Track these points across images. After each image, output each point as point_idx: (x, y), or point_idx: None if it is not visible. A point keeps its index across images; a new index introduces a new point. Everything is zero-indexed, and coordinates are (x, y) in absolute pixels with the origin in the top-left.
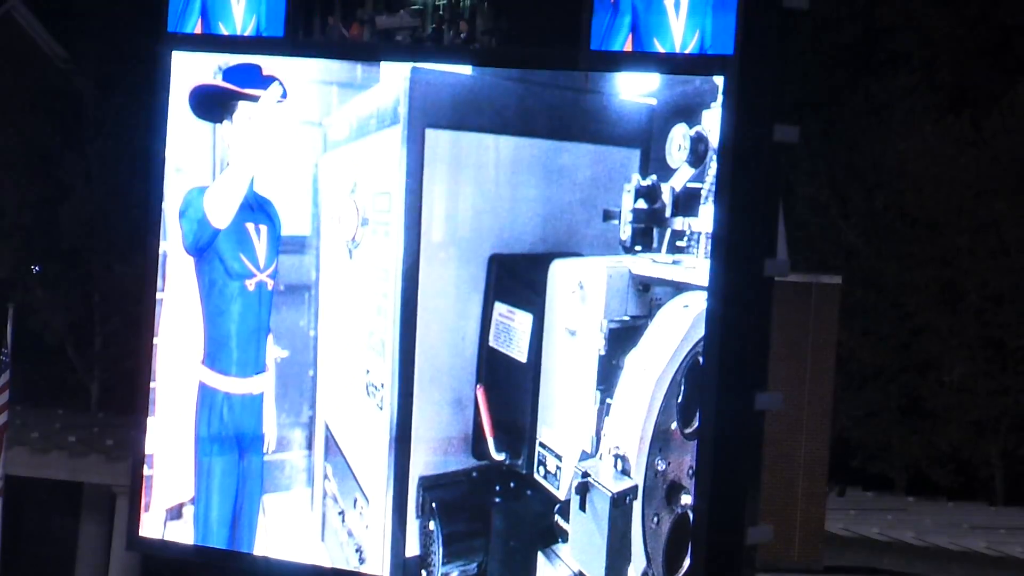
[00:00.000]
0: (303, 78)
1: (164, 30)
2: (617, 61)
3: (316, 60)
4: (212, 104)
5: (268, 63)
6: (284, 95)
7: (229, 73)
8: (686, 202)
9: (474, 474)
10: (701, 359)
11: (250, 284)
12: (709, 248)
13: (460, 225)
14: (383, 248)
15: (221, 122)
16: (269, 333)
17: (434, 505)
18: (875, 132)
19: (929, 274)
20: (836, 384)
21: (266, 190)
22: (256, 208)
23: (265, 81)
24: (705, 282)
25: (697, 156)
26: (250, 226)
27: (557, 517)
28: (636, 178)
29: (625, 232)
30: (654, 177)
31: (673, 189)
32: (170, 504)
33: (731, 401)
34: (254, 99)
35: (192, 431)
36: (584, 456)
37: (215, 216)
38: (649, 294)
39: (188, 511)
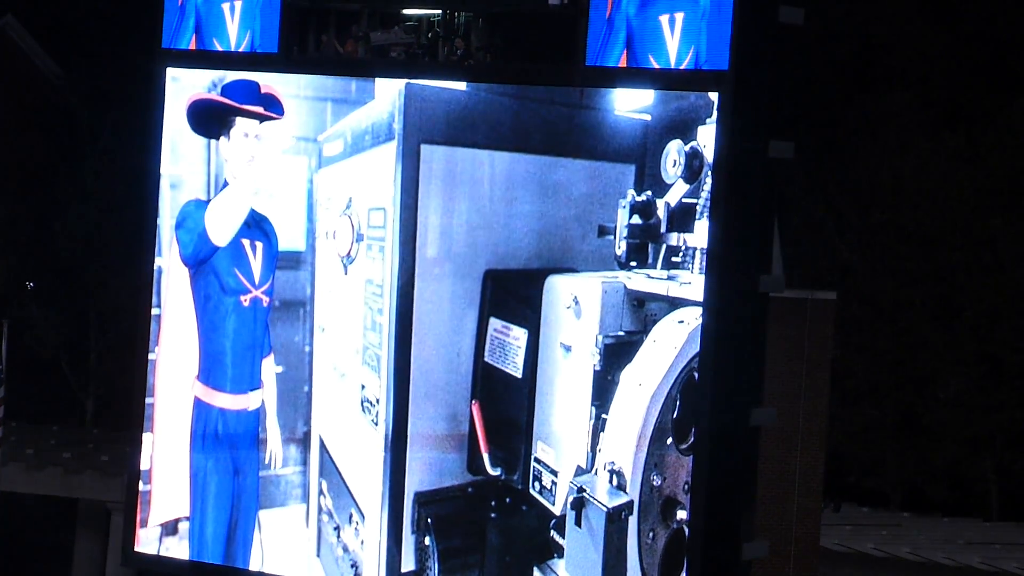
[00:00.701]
0: (298, 94)
1: (159, 46)
2: (612, 77)
3: (311, 76)
4: (209, 119)
5: (264, 79)
6: (281, 112)
7: (227, 89)
8: (681, 218)
9: (469, 489)
10: (696, 374)
11: (245, 300)
12: (704, 264)
13: (455, 241)
14: (378, 263)
15: (218, 137)
16: (272, 352)
17: (429, 520)
18: (870, 148)
19: (924, 290)
20: (831, 400)
21: (263, 207)
22: (253, 225)
23: (262, 98)
24: (700, 297)
25: (692, 172)
26: (246, 242)
27: (553, 532)
28: (631, 194)
29: (620, 248)
30: (649, 193)
31: (668, 204)
32: (168, 518)
33: (726, 416)
34: (252, 115)
35: (187, 446)
36: (579, 471)
37: (216, 234)
38: (644, 310)
39: (184, 526)
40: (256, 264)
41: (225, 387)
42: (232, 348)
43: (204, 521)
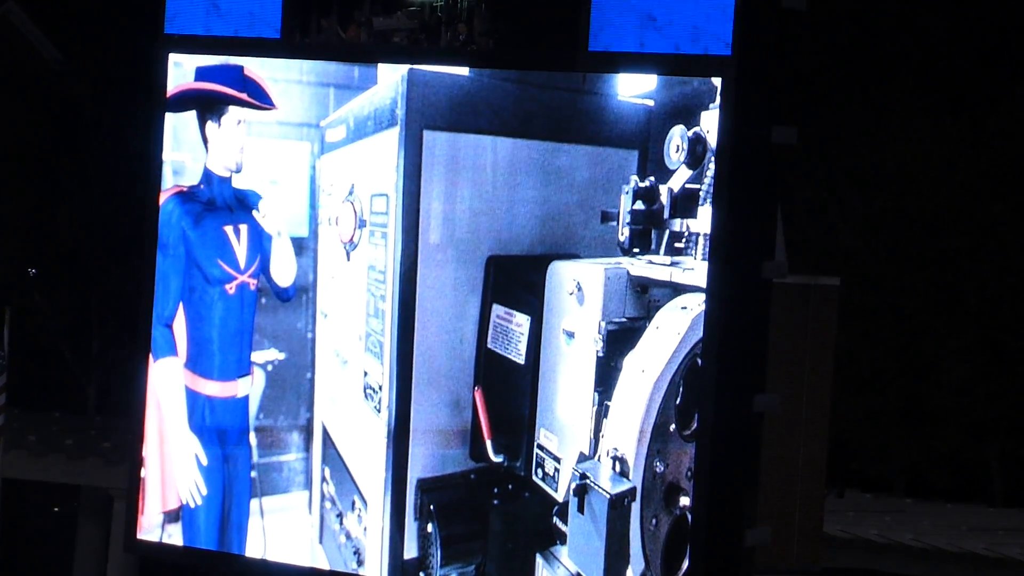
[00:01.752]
0: (300, 80)
1: (161, 32)
2: (614, 62)
3: (313, 62)
4: (198, 107)
5: (250, 65)
6: (270, 101)
7: (213, 73)
8: (684, 203)
9: (472, 476)
10: (699, 361)
11: (230, 288)
12: (707, 250)
13: (458, 227)
14: (381, 250)
15: (205, 120)
16: (293, 290)
17: (432, 507)
18: (873, 134)
19: (927, 276)
20: (834, 386)
21: (247, 182)
22: (236, 207)
23: (248, 83)
24: (703, 283)
25: (695, 157)
26: (229, 229)
27: (555, 519)
28: (634, 179)
29: (623, 233)
30: (652, 178)
31: (671, 190)
32: (166, 509)
33: (729, 403)
34: (248, 104)
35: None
36: (582, 458)
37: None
38: (647, 296)
39: None
40: (241, 249)
41: (212, 375)
42: (219, 336)
43: (195, 509)
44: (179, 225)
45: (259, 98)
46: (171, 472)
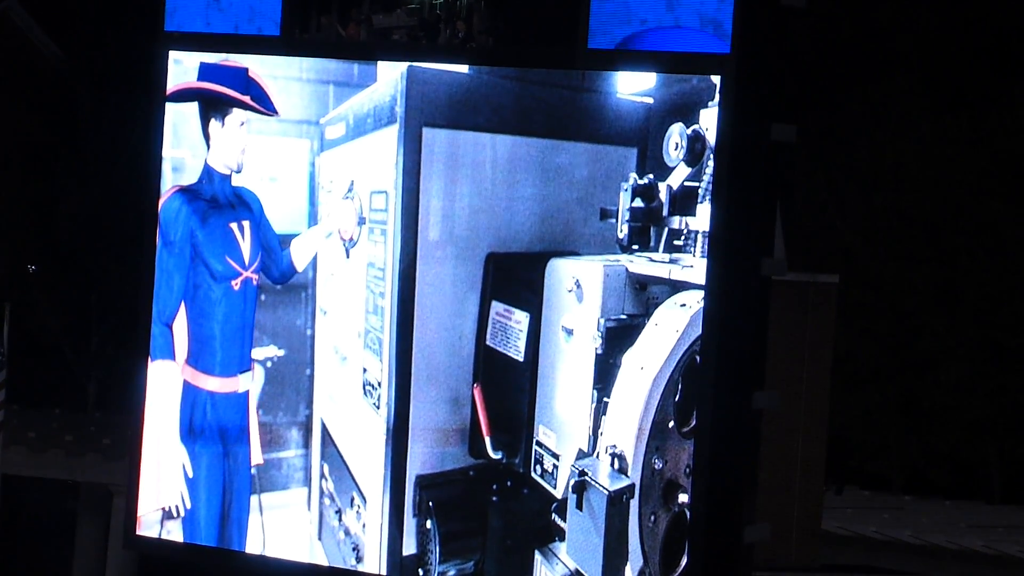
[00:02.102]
0: (300, 77)
1: (161, 29)
2: (614, 60)
3: (312, 59)
4: (198, 99)
5: (254, 66)
6: (271, 106)
7: (217, 73)
8: (683, 201)
9: (471, 473)
10: (698, 358)
11: (235, 284)
12: (706, 247)
13: (457, 224)
14: (380, 247)
15: (208, 116)
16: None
17: (431, 504)
18: (873, 132)
19: (927, 274)
20: (833, 383)
21: (243, 180)
22: (237, 205)
23: (250, 85)
24: (702, 281)
25: (694, 155)
26: (234, 226)
27: (554, 516)
28: (633, 177)
29: (622, 231)
30: (651, 176)
31: (670, 188)
32: (159, 506)
33: (728, 400)
34: (252, 108)
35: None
36: (581, 455)
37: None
38: (646, 293)
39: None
40: (246, 246)
41: (214, 370)
42: (222, 332)
43: (196, 505)
44: (187, 223)
45: (262, 102)
46: (165, 473)
